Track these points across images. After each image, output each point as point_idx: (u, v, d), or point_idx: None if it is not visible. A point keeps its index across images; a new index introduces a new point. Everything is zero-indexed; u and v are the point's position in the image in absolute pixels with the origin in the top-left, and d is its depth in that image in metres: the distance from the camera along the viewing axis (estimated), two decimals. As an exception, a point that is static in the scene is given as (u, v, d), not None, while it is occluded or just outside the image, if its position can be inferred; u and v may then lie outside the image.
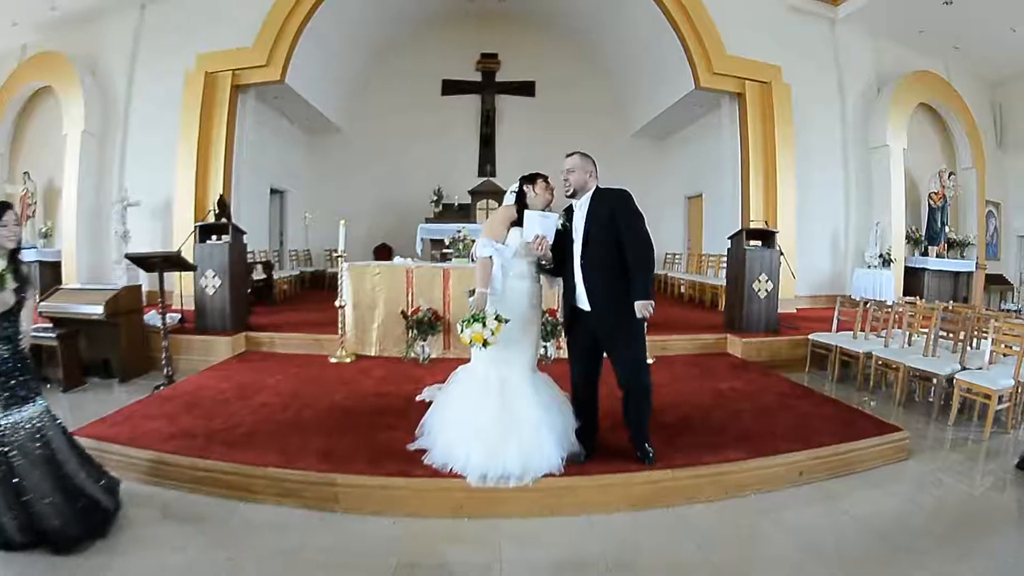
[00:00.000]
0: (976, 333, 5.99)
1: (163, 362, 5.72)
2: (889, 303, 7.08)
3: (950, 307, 6.46)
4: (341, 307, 6.40)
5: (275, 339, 6.82)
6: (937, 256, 11.83)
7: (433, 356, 6.28)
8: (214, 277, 6.83)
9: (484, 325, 3.37)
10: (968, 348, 5.69)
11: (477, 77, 14.24)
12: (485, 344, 3.37)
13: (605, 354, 3.68)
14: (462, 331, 3.46)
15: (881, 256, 10.90)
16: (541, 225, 3.49)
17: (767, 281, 7.51)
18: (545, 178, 3.74)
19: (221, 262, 6.84)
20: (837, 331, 7.12)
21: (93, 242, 9.95)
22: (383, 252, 12.88)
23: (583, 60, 13.99)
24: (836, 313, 7.25)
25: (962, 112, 12.18)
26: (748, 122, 10.24)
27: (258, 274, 9.37)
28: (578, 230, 3.56)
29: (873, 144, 11.42)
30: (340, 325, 6.39)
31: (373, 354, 6.49)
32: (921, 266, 11.62)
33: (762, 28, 10.54)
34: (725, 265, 8.44)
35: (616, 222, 3.47)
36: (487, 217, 7.95)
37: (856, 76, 11.45)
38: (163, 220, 9.80)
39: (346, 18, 11.02)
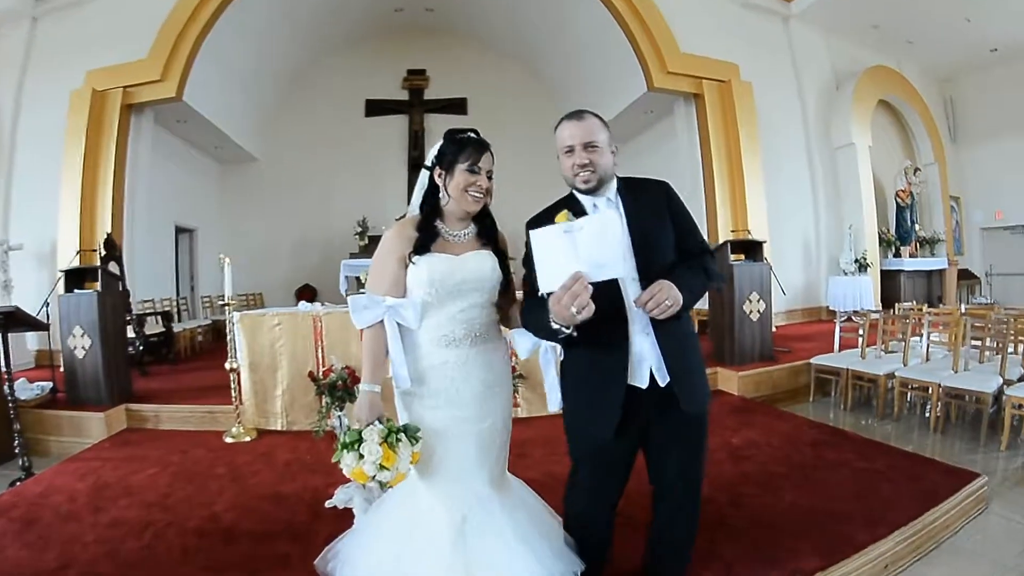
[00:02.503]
0: (1014, 338, 5.22)
1: (15, 449, 4.41)
2: (902, 312, 6.18)
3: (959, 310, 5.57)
4: (233, 370, 4.97)
5: (161, 412, 5.36)
6: (910, 256, 11.32)
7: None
8: (83, 335, 5.38)
9: (363, 455, 1.85)
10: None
11: (404, 96, 13.01)
12: (383, 486, 1.99)
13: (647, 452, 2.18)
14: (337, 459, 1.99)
15: (857, 261, 10.17)
16: (583, 246, 1.68)
17: (759, 301, 6.37)
18: (472, 143, 2.08)
19: (90, 317, 5.39)
20: (840, 350, 6.13)
21: (-27, 294, 8.27)
22: (306, 294, 11.48)
23: (519, 71, 12.90)
24: (837, 329, 6.25)
25: (920, 107, 11.90)
26: (708, 124, 9.36)
27: (153, 327, 7.86)
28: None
29: (838, 143, 10.88)
30: (234, 394, 4.97)
31: (279, 427, 5.10)
32: (896, 268, 11.14)
33: (715, 25, 9.78)
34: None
35: (676, 227, 2.06)
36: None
37: (813, 74, 10.89)
38: (51, 267, 8.19)
39: (252, 33, 9.73)
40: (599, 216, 1.73)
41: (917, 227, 11.61)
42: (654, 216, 2.00)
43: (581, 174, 1.93)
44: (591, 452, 2.10)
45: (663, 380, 1.93)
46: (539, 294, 1.76)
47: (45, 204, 8.18)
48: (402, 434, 1.91)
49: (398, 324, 2.06)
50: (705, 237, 2.22)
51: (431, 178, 2.14)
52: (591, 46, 10.45)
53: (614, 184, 2.04)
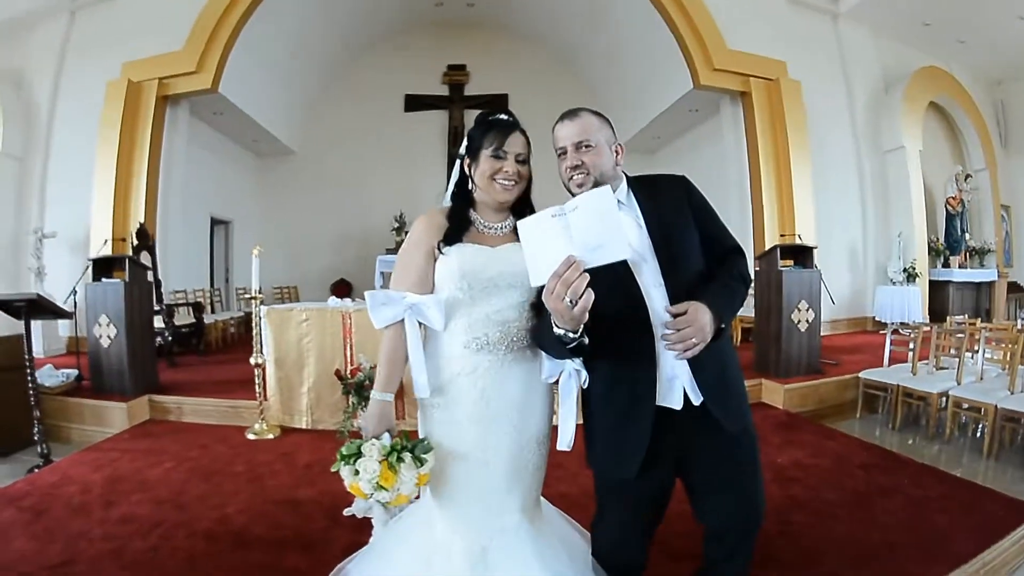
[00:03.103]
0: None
1: (35, 436, 4.36)
2: (954, 326, 5.82)
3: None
4: (259, 365, 4.83)
5: (184, 405, 5.27)
6: (959, 266, 10.78)
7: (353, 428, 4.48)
8: (108, 325, 5.33)
9: (358, 471, 1.65)
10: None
11: (444, 91, 12.81)
12: (386, 505, 1.74)
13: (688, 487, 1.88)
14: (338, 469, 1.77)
15: (905, 270, 9.72)
16: (575, 228, 1.43)
17: (807, 310, 6.03)
18: (497, 124, 1.83)
19: (116, 306, 5.33)
20: (889, 364, 5.79)
21: (10, 281, 8.34)
22: (342, 288, 11.34)
23: (561, 68, 12.59)
24: (888, 342, 5.90)
25: (971, 111, 11.35)
26: (756, 124, 8.99)
27: (184, 318, 7.83)
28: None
29: (887, 147, 10.36)
30: (259, 389, 4.83)
31: (303, 426, 4.94)
32: (945, 279, 10.60)
33: (763, 22, 9.36)
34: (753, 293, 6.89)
35: (700, 224, 1.79)
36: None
37: (862, 75, 10.39)
38: (84, 255, 8.19)
39: (289, 26, 9.65)
40: (591, 193, 1.42)
41: (967, 236, 11.06)
42: (674, 214, 1.75)
43: (574, 177, 1.72)
44: (615, 489, 1.84)
45: (696, 399, 1.66)
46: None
47: (80, 193, 8.23)
48: (407, 454, 1.67)
49: (421, 325, 1.83)
50: (738, 237, 1.94)
51: (461, 168, 1.91)
52: (634, 42, 10.17)
53: (623, 185, 1.79)
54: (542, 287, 1.43)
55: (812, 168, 9.12)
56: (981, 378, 5.07)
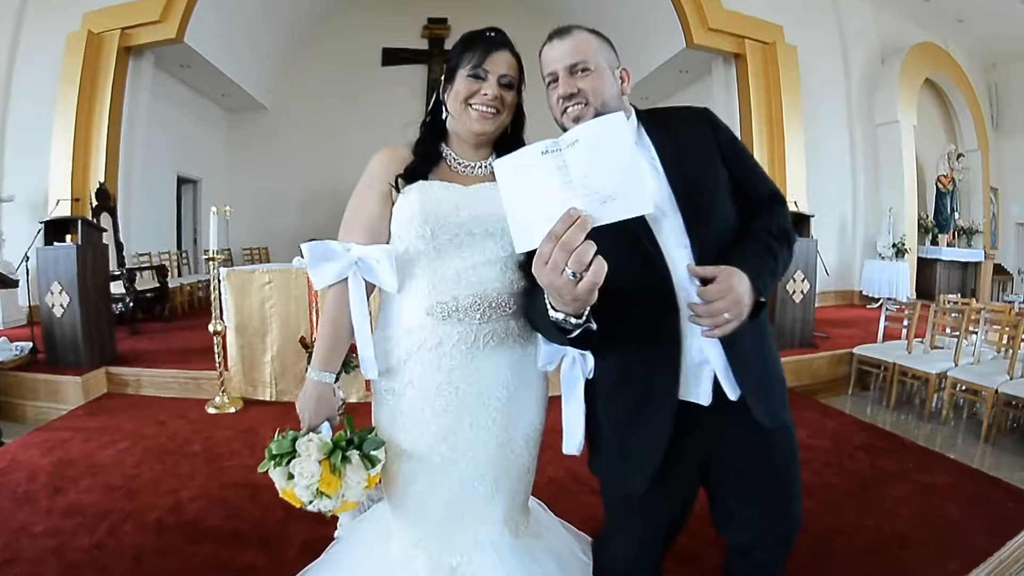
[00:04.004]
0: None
1: None
2: (951, 305, 5.63)
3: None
4: (218, 333, 4.45)
5: (143, 377, 4.91)
6: (948, 245, 10.69)
7: (352, 401, 4.25)
8: (61, 293, 4.92)
9: (292, 475, 1.32)
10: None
11: (423, 45, 12.30)
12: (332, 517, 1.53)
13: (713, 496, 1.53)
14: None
15: (894, 246, 9.59)
16: (576, 169, 0.98)
17: (803, 280, 5.81)
18: (479, 39, 1.48)
19: (68, 272, 4.92)
20: (883, 340, 5.62)
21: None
22: (315, 249, 10.97)
23: (546, 23, 11.87)
24: (882, 318, 5.71)
25: (966, 90, 11.20)
26: (750, 88, 8.71)
27: (148, 282, 7.41)
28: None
29: (881, 120, 10.14)
30: (218, 359, 4.47)
31: (267, 398, 4.61)
32: (934, 256, 10.49)
33: (759, -17, 9.04)
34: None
35: (731, 167, 1.41)
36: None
37: (859, 45, 10.13)
38: (44, 218, 7.78)
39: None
40: (597, 121, 0.99)
41: (956, 215, 10.99)
42: (699, 156, 1.37)
43: (569, 109, 1.34)
44: (625, 504, 1.46)
45: (734, 392, 1.29)
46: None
47: (40, 154, 7.68)
48: (354, 452, 1.35)
49: (370, 286, 1.48)
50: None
51: (437, 95, 1.56)
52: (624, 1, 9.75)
53: (632, 120, 1.42)
54: (530, 254, 1.01)
55: (805, 136, 8.90)
56: (979, 360, 4.90)
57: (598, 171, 0.96)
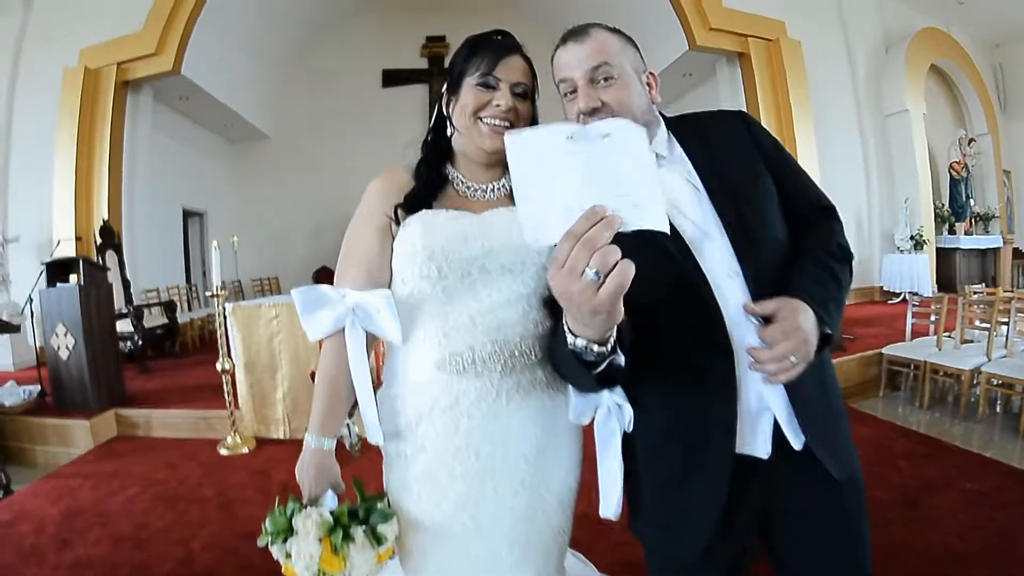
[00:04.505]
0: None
1: None
2: (979, 296, 5.43)
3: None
4: (226, 371, 4.32)
5: (152, 418, 4.79)
6: (965, 233, 10.48)
7: (368, 438, 4.04)
8: (66, 335, 4.83)
9: (291, 553, 1.14)
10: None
11: (423, 64, 12.25)
12: None
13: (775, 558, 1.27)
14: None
15: (912, 238, 9.39)
16: (601, 165, 0.85)
17: (835, 280, 5.63)
18: (487, 44, 1.30)
19: (72, 313, 4.83)
20: (912, 339, 5.42)
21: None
22: (324, 276, 10.88)
23: (546, 35, 11.69)
24: (909, 315, 5.52)
25: (972, 74, 11.04)
26: (756, 86, 8.57)
27: (156, 318, 7.33)
28: (684, 213, 1.14)
29: (889, 110, 9.99)
30: (228, 399, 4.34)
31: (280, 436, 4.45)
32: (952, 246, 10.27)
33: (757, -21, 8.93)
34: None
35: (776, 175, 1.23)
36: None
37: (862, 35, 9.99)
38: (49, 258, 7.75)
39: (255, 3, 9.14)
40: (628, 123, 0.87)
41: (972, 202, 10.77)
42: (742, 167, 1.20)
43: (580, 109, 1.15)
44: (674, 572, 1.24)
45: (798, 441, 1.10)
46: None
47: (43, 193, 7.72)
48: (358, 529, 1.16)
49: (369, 335, 1.28)
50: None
51: (439, 109, 1.38)
52: (623, 4, 9.59)
53: (661, 130, 1.25)
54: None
55: (814, 132, 8.76)
56: (1012, 352, 4.72)
57: (627, 172, 0.84)
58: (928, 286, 9.13)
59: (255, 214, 11.59)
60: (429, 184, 1.31)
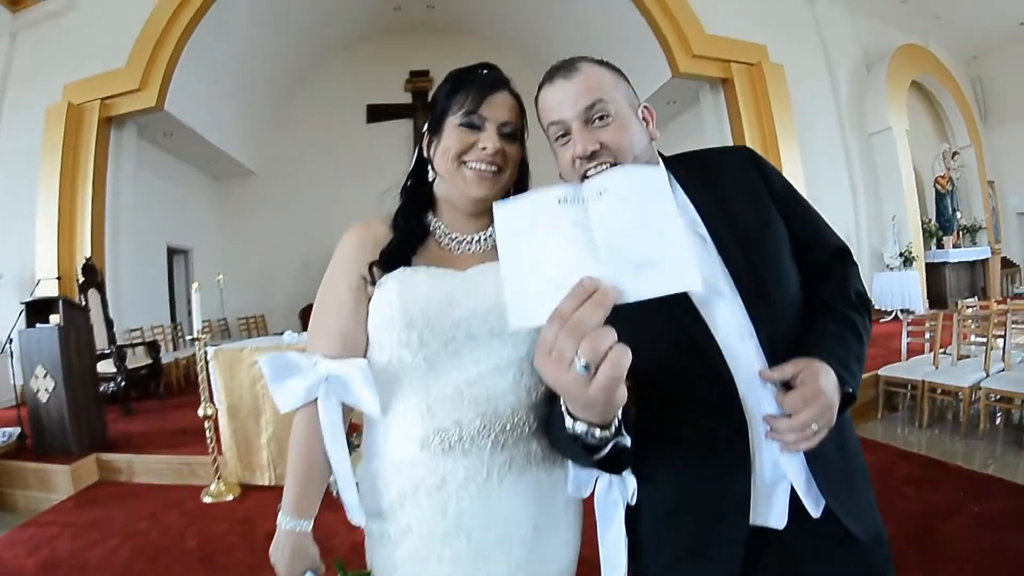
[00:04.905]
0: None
1: None
2: (974, 311, 5.40)
3: None
4: (208, 417, 4.17)
5: (135, 463, 4.63)
6: (954, 246, 10.58)
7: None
8: (45, 376, 4.69)
9: None
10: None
11: (407, 99, 12.25)
12: None
13: None
14: None
15: (902, 254, 9.42)
16: (602, 226, 0.75)
17: (821, 303, 5.59)
18: (473, 80, 1.17)
19: (52, 354, 4.70)
20: (908, 357, 5.36)
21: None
22: (310, 314, 10.74)
23: (529, 67, 11.79)
24: (904, 334, 5.47)
25: (952, 87, 11.29)
26: (741, 111, 8.62)
27: (140, 359, 7.18)
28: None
29: (873, 129, 10.13)
30: (211, 444, 4.19)
31: (266, 483, 4.27)
32: (942, 260, 10.40)
33: (740, 6, 9.04)
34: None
35: (786, 217, 1.12)
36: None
37: (843, 55, 10.15)
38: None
39: (240, 38, 9.09)
40: (629, 169, 0.84)
41: (958, 215, 10.86)
42: (752, 210, 1.09)
43: (591, 172, 1.02)
44: None
45: (817, 508, 0.99)
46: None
47: (26, 230, 7.60)
48: None
49: (346, 408, 1.14)
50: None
51: (419, 150, 1.25)
52: (604, 33, 9.69)
53: (660, 170, 0.93)
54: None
55: (800, 154, 8.80)
56: (1010, 366, 4.72)
57: (630, 230, 0.73)
58: (920, 302, 9.16)
59: (241, 251, 11.47)
60: (408, 237, 1.19)
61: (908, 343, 5.43)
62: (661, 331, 0.94)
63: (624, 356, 0.67)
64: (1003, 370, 4.62)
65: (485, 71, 1.18)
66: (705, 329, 0.99)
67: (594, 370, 0.67)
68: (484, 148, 1.11)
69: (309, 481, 1.11)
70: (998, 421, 4.63)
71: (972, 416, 4.57)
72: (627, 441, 0.85)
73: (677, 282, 0.71)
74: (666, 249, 0.72)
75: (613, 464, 0.87)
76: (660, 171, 0.77)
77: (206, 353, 4.23)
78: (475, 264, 1.16)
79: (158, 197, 9.43)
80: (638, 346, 0.70)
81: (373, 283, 1.13)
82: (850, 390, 0.96)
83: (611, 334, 0.67)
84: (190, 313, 10.50)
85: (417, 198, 1.25)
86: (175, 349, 8.91)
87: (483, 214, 1.18)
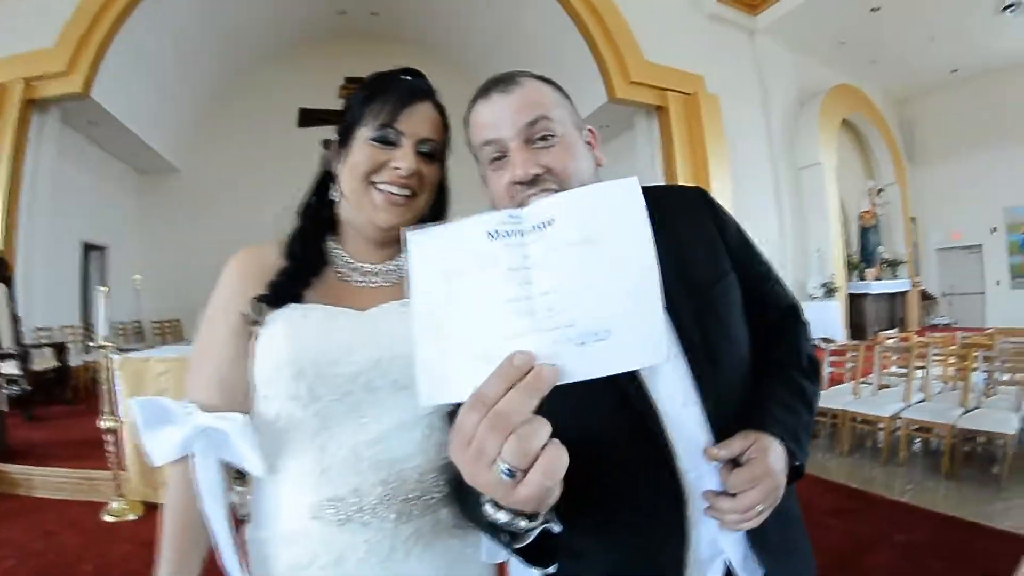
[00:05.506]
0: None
1: None
2: (894, 342, 5.60)
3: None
4: (110, 431, 3.87)
5: (33, 476, 4.30)
6: (876, 279, 11.05)
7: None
8: (-62, 380, 4.34)
9: None
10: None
11: (341, 105, 11.98)
12: None
13: None
14: None
15: (824, 285, 9.78)
16: (544, 273, 0.56)
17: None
18: (390, 85, 1.02)
19: (-55, 356, 4.35)
20: (829, 386, 5.52)
21: None
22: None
23: (467, 82, 11.84)
24: (826, 363, 5.63)
25: (881, 127, 11.92)
26: (674, 139, 8.77)
27: (44, 361, 6.73)
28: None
29: (803, 163, 10.55)
30: (113, 460, 3.89)
31: (170, 502, 4.03)
32: (863, 291, 10.87)
33: (680, 36, 9.27)
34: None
35: (739, 266, 1.02)
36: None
37: (778, 91, 10.57)
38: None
39: (176, 30, 8.77)
40: (592, 190, 0.59)
41: (881, 248, 11.40)
42: (706, 261, 0.99)
43: (531, 199, 0.80)
44: None
45: None
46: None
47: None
48: None
49: (228, 466, 0.97)
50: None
51: (324, 165, 1.11)
52: (544, 53, 9.73)
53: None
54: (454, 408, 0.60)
55: (730, 184, 9.04)
56: (929, 396, 4.88)
57: (581, 282, 0.55)
58: (841, 331, 9.50)
59: (161, 252, 10.90)
60: (302, 267, 1.02)
61: (830, 372, 5.58)
62: (595, 391, 0.69)
63: (560, 459, 0.54)
64: (923, 400, 4.76)
65: (408, 77, 1.04)
66: (644, 393, 0.88)
67: (521, 475, 0.54)
68: (397, 168, 0.97)
69: (185, 544, 0.94)
70: (916, 448, 4.76)
71: (892, 444, 4.68)
72: (557, 527, 0.69)
73: (638, 356, 0.56)
74: (630, 309, 0.56)
75: (538, 555, 0.71)
76: (632, 190, 0.58)
77: (110, 361, 3.95)
78: (379, 302, 1.01)
79: (78, 189, 8.91)
80: (567, 406, 0.59)
81: (257, 322, 0.96)
82: (798, 463, 0.89)
83: (543, 430, 0.54)
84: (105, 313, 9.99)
85: (317, 220, 1.08)
86: (86, 352, 8.40)
87: (392, 242, 1.04)
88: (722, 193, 8.70)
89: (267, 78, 11.60)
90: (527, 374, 0.53)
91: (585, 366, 0.55)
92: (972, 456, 4.48)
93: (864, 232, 11.28)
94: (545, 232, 0.56)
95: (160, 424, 0.93)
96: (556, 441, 0.54)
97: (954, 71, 11.49)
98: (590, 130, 1.02)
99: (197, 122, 11.09)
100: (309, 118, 11.74)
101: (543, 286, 0.55)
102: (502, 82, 0.93)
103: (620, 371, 0.56)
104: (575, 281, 0.55)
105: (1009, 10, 9.26)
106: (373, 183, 0.98)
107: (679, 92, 8.92)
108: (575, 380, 0.54)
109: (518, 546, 0.68)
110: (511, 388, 0.53)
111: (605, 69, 8.59)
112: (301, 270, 1.01)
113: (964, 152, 12.05)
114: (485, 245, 0.56)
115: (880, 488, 4.05)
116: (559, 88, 0.99)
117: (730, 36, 10.02)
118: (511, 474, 0.53)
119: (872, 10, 9.59)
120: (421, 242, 0.58)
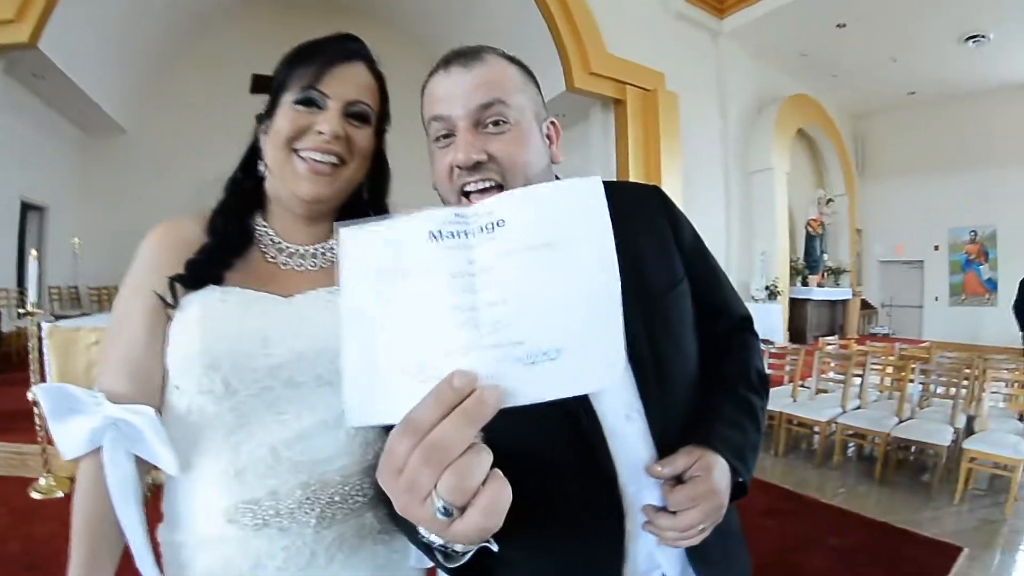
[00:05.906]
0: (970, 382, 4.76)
1: None
2: (834, 348, 5.78)
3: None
4: (39, 403, 3.71)
5: (-40, 452, 4.13)
6: (819, 285, 11.38)
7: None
8: None
9: None
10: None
11: (296, 75, 11.70)
12: None
13: None
14: None
15: (767, 288, 10.02)
16: (493, 283, 0.49)
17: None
18: (316, 48, 0.97)
19: None
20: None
21: None
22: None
23: (424, 57, 11.69)
24: (765, 364, 5.76)
25: (835, 139, 12.20)
26: (629, 134, 8.78)
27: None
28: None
29: (755, 167, 10.73)
30: (40, 434, 3.74)
31: (99, 478, 3.88)
32: (805, 296, 11.15)
33: (645, 31, 9.23)
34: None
35: (691, 270, 0.97)
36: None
37: (737, 95, 10.69)
38: None
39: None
40: (549, 188, 0.53)
41: (826, 257, 11.72)
42: (659, 263, 0.94)
43: (470, 187, 0.83)
44: None
45: None
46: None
47: None
48: None
49: (140, 460, 0.87)
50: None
51: (255, 136, 1.02)
52: (503, 34, 9.21)
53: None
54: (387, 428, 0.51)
55: (681, 182, 9.10)
56: (866, 403, 5.04)
57: (532, 293, 0.49)
58: (781, 334, 9.76)
59: (104, 215, 10.42)
60: (223, 245, 0.93)
61: (769, 374, 5.71)
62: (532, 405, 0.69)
63: (501, 496, 0.49)
64: (859, 407, 4.91)
65: (340, 40, 0.96)
66: (586, 404, 0.84)
67: (459, 512, 0.48)
68: (321, 133, 0.89)
69: (96, 546, 0.85)
70: (850, 453, 4.91)
71: (827, 448, 4.83)
72: (494, 547, 0.62)
73: (591, 378, 0.50)
74: (586, 326, 0.50)
75: (473, 573, 0.67)
76: (595, 192, 0.52)
77: (39, 329, 3.78)
78: (307, 288, 0.93)
79: (18, 144, 8.45)
80: (504, 414, 0.50)
81: (172, 305, 0.88)
82: (741, 480, 0.88)
83: (483, 462, 0.48)
84: (41, 277, 9.59)
85: (243, 195, 1.00)
86: (20, 317, 8.05)
87: (322, 219, 0.98)
88: (672, 189, 8.71)
89: (223, 41, 11.21)
90: (467, 397, 0.47)
91: (532, 389, 0.49)
92: (904, 464, 4.63)
93: (810, 239, 11.56)
94: (494, 234, 0.50)
95: (68, 414, 0.84)
96: (498, 474, 0.49)
97: (912, 93, 11.83)
98: (552, 123, 0.95)
99: (147, 83, 10.64)
100: (262, 85, 11.37)
101: (490, 296, 0.49)
102: (465, 56, 0.87)
103: (570, 395, 0.50)
104: (526, 292, 0.49)
105: (972, 41, 9.57)
106: (295, 150, 0.91)
107: (638, 87, 8.91)
108: (520, 404, 0.49)
109: (452, 566, 0.64)
110: (449, 413, 0.47)
111: (566, 58, 8.47)
112: (222, 248, 0.93)
113: (914, 171, 12.43)
114: (426, 246, 0.50)
115: (813, 490, 4.18)
116: (528, 72, 0.94)
117: (694, 36, 10.08)
118: (447, 512, 0.48)
119: (838, 26, 9.76)
120: (354, 237, 0.52)
